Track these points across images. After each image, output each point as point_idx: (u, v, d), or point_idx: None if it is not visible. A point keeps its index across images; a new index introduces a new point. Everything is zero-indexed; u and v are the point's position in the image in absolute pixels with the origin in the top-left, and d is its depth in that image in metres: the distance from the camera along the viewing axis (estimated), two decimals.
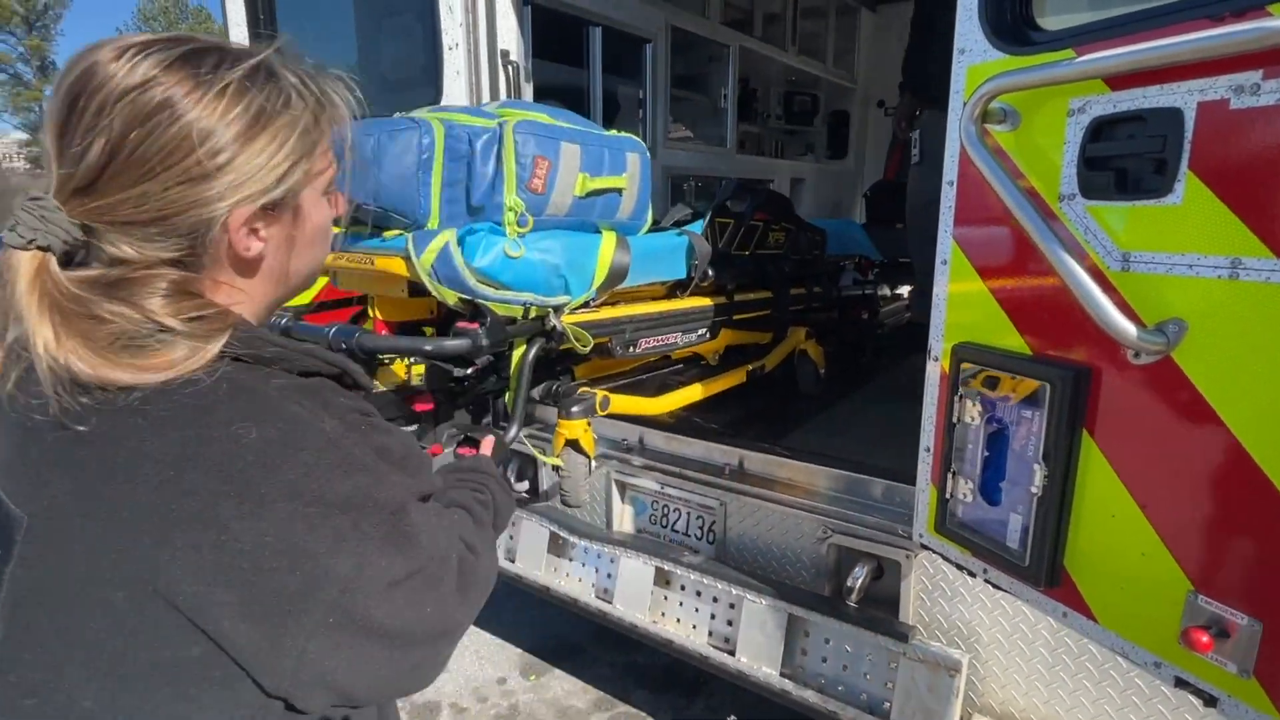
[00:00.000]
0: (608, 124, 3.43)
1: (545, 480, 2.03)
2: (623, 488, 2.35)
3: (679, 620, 2.09)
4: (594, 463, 1.87)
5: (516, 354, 1.70)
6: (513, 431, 1.67)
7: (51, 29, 42.14)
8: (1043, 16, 1.22)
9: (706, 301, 2.22)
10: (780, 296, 2.53)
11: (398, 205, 1.54)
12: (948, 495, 1.40)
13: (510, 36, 2.52)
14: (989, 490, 1.32)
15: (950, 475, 1.39)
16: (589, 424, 1.83)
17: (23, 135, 46.40)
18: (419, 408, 1.77)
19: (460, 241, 1.51)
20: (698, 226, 2.16)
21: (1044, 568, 1.21)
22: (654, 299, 2.10)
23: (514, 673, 2.82)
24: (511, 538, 2.50)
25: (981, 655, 1.68)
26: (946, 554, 1.47)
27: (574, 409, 1.80)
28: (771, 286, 2.51)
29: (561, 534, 2.33)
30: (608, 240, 1.75)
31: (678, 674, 2.74)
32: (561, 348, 1.74)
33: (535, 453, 1.85)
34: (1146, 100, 1.02)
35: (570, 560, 2.36)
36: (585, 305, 1.76)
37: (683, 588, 2.09)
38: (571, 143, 1.62)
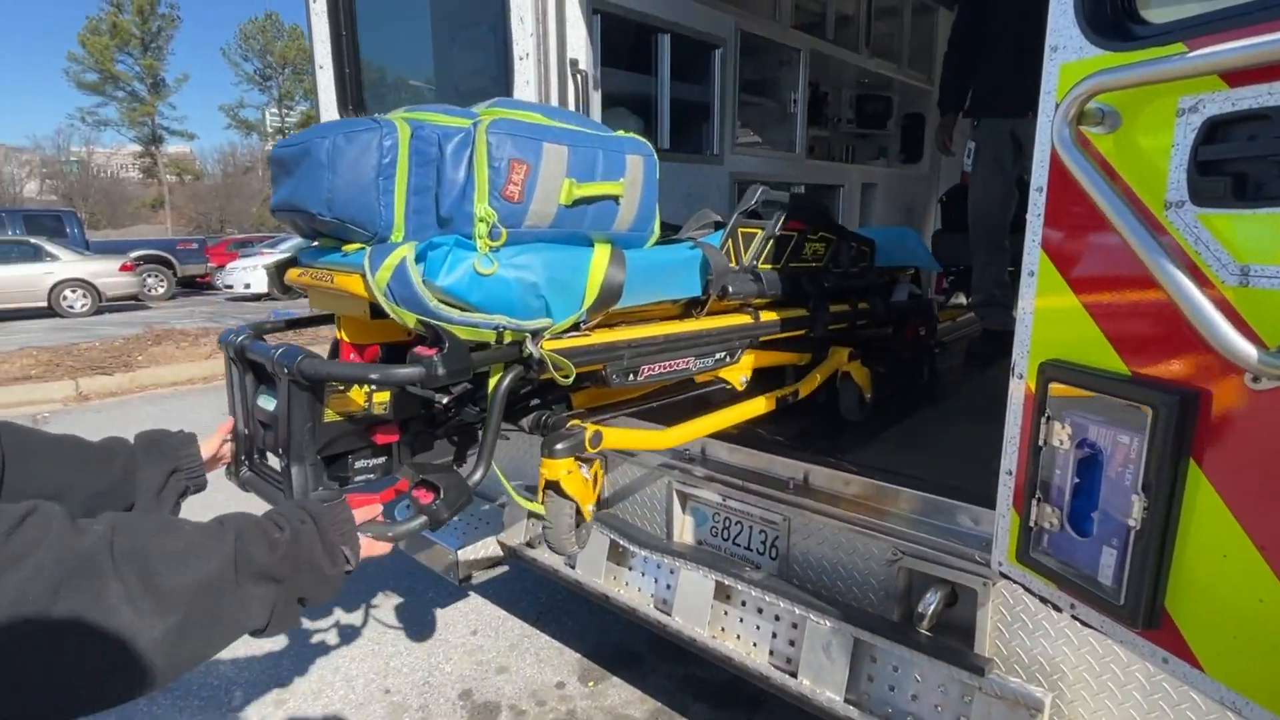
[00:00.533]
0: (676, 133, 3.46)
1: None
2: (684, 498, 2.31)
3: (739, 637, 2.04)
4: (591, 508, 1.67)
5: (492, 383, 1.49)
6: (478, 474, 1.43)
7: (164, 49, 45.63)
8: (1147, 9, 1.12)
9: (727, 322, 1.98)
10: (818, 314, 2.27)
11: (355, 216, 1.37)
12: (1031, 523, 1.31)
13: (579, 45, 2.54)
14: (1079, 520, 1.22)
15: (1034, 501, 1.30)
16: (576, 463, 1.63)
17: (137, 147, 50.34)
18: (381, 439, 1.57)
19: (421, 257, 1.33)
20: (716, 238, 1.93)
21: (1142, 608, 1.11)
22: (664, 319, 1.87)
23: (572, 678, 2.83)
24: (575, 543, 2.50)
25: (1066, 695, 1.56)
26: (1029, 585, 1.37)
27: (557, 446, 1.57)
28: (808, 304, 2.27)
29: (622, 542, 2.32)
30: (600, 255, 1.53)
31: (738, 689, 2.69)
32: (543, 377, 1.54)
33: (515, 496, 1.63)
34: (1274, 97, 0.93)
35: (630, 569, 2.34)
36: (576, 328, 1.56)
37: (743, 604, 2.04)
38: (557, 144, 1.43)
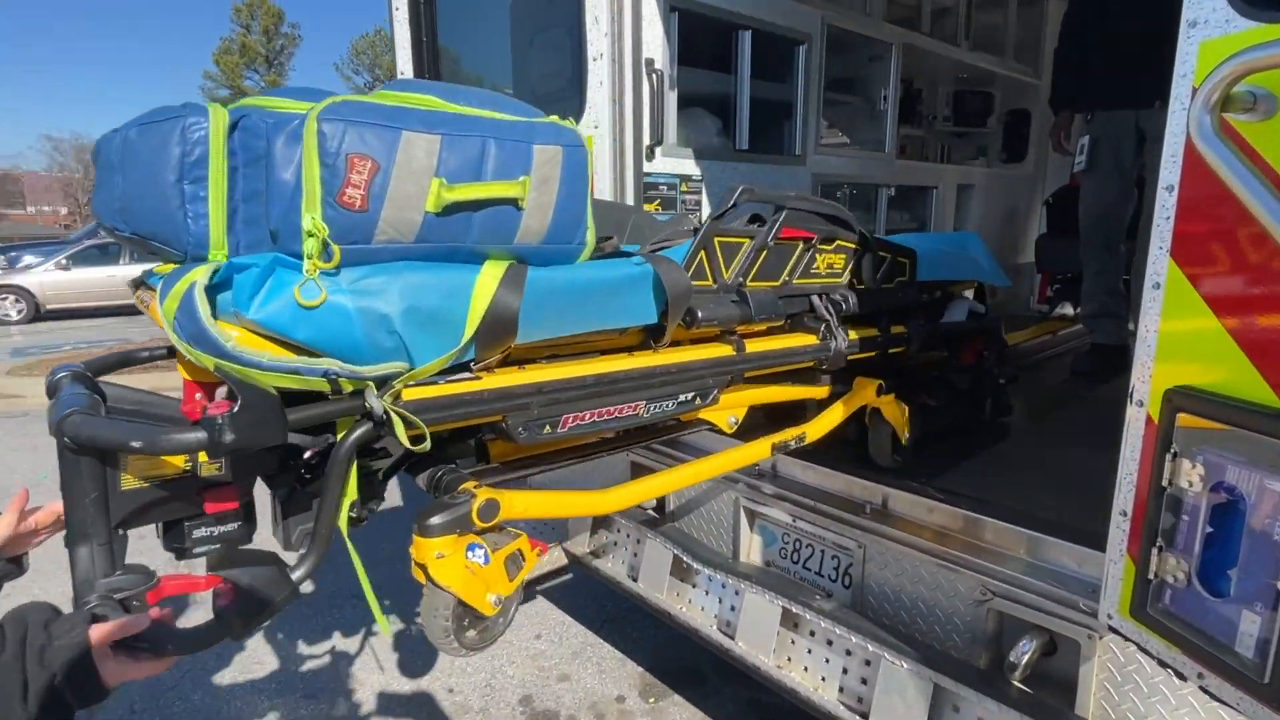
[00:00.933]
0: (755, 132, 3.34)
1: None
2: (752, 515, 2.20)
3: (806, 669, 1.90)
4: (495, 598, 1.27)
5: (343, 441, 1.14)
6: (303, 569, 1.12)
7: (285, 65, 49.47)
8: None
9: (692, 355, 1.57)
10: (831, 342, 1.85)
11: (154, 230, 1.10)
12: (1150, 574, 1.13)
13: (655, 44, 2.47)
14: (1211, 576, 1.04)
15: (1155, 550, 1.12)
16: (461, 542, 1.25)
17: None
18: (213, 507, 1.22)
19: (224, 282, 1.04)
20: (680, 251, 1.55)
21: None
22: (613, 353, 1.49)
23: (633, 693, 2.76)
24: (635, 555, 2.44)
25: None
26: (1144, 644, 1.19)
27: (428, 520, 1.21)
28: (818, 330, 1.86)
29: (685, 558, 2.23)
30: (488, 276, 1.18)
31: None
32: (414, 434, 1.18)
33: (369, 596, 1.21)
34: None
35: (693, 587, 2.24)
36: (464, 369, 1.22)
37: (812, 633, 1.90)
38: (423, 133, 1.10)
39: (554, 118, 1.32)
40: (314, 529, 1.15)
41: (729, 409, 1.82)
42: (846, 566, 1.95)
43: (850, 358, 1.93)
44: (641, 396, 1.49)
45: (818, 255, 1.81)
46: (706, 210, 2.93)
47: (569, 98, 2.58)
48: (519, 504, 1.35)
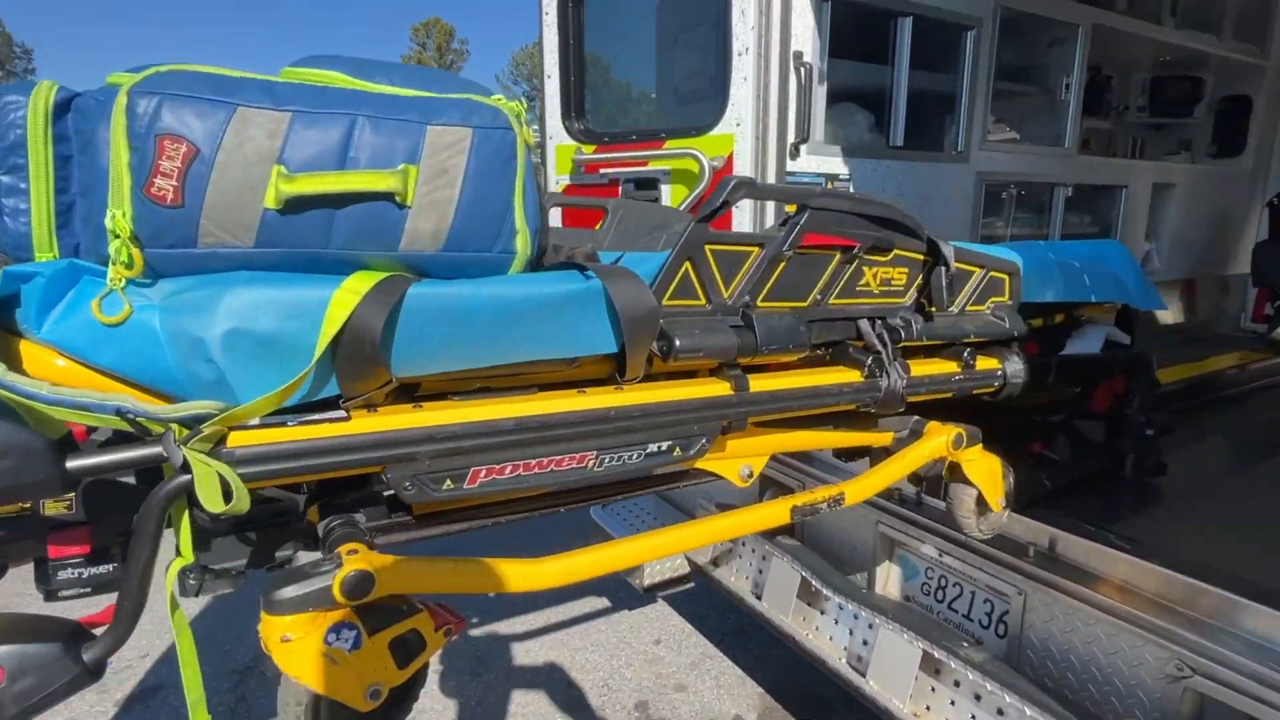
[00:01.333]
0: (912, 128, 3.09)
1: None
2: (891, 544, 2.02)
3: None
4: (375, 690, 1.00)
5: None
6: (98, 649, 0.91)
7: None
8: None
9: (668, 394, 1.20)
10: (881, 378, 1.43)
11: None
12: None
13: (805, 36, 2.34)
14: None
15: None
16: (320, 621, 0.97)
17: None
18: (57, 550, 1.08)
19: (10, 295, 0.87)
20: (655, 262, 1.19)
21: None
22: (558, 388, 1.16)
23: (751, 714, 2.65)
24: (760, 572, 2.33)
25: None
26: None
27: (276, 594, 0.95)
28: (866, 361, 1.44)
29: (815, 583, 2.09)
30: (347, 292, 0.91)
31: None
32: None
33: (187, 680, 0.96)
34: None
35: (822, 613, 2.10)
36: (332, 410, 0.96)
37: (957, 684, 1.70)
38: (264, 109, 0.90)
39: (498, 98, 1.04)
40: (120, 596, 0.92)
41: (739, 457, 1.41)
42: (1001, 614, 1.73)
43: (912, 400, 1.51)
44: (590, 446, 1.14)
45: (865, 268, 1.41)
46: None
47: (710, 96, 2.52)
48: (408, 575, 1.04)
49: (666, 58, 2.92)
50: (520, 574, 1.12)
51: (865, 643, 1.94)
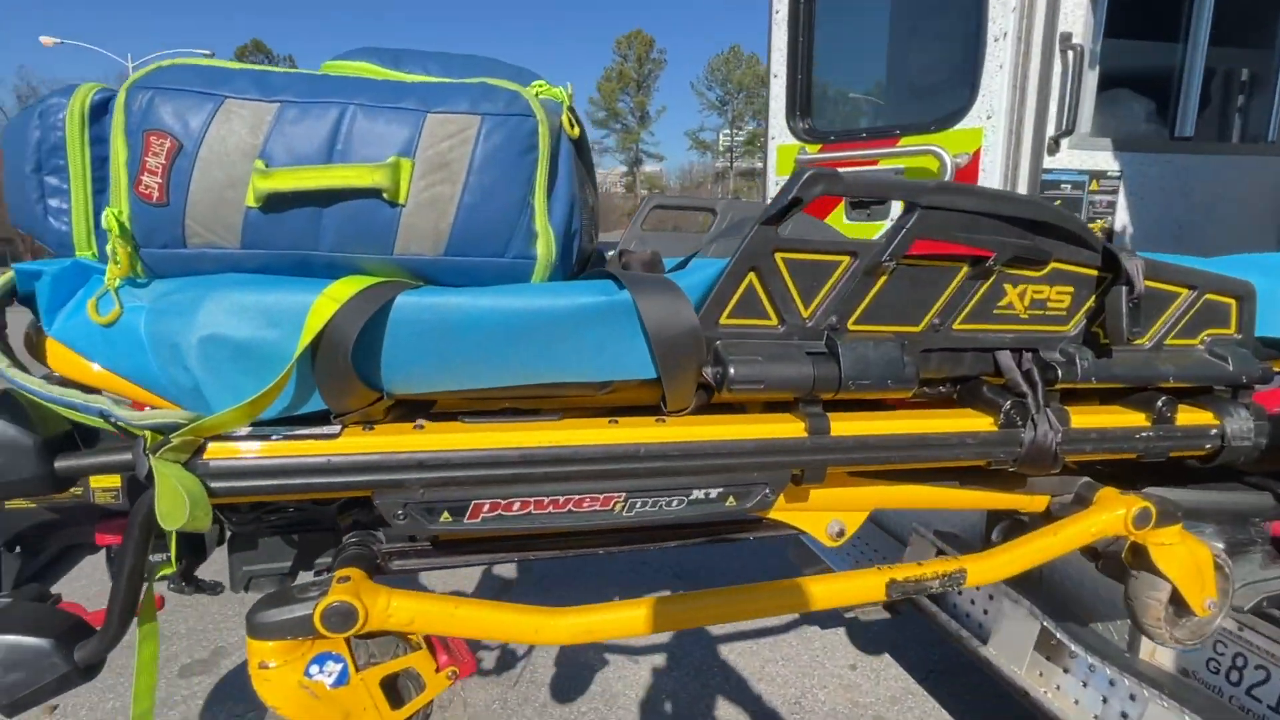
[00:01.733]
0: (1206, 116, 2.61)
1: None
2: None
3: None
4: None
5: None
6: (89, 649, 0.92)
7: (651, 88, 56.40)
8: None
9: (719, 432, 0.99)
10: (1025, 429, 1.10)
11: (27, 225, 0.97)
12: None
13: (1077, 15, 2.07)
14: None
15: None
16: (302, 650, 0.91)
17: (623, 168, 63.26)
18: (103, 539, 1.08)
19: (30, 291, 0.88)
20: (712, 270, 0.96)
21: None
22: (590, 414, 1.01)
23: None
24: (986, 612, 2.10)
25: None
26: None
27: (259, 617, 0.89)
28: (1005, 404, 1.10)
29: (1060, 636, 1.83)
30: (327, 298, 0.82)
31: None
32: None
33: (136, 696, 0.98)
34: None
35: (1065, 672, 1.83)
36: (315, 426, 0.88)
37: None
38: (250, 100, 0.84)
39: (540, 83, 0.94)
40: (110, 602, 0.91)
41: (828, 510, 1.17)
42: None
43: (1072, 459, 1.15)
44: (618, 487, 0.97)
45: (1007, 286, 1.08)
46: (1122, 215, 2.38)
47: (951, 88, 2.32)
48: (402, 612, 0.94)
49: (900, 51, 2.74)
50: (532, 625, 1.01)
51: (1124, 715, 1.66)
